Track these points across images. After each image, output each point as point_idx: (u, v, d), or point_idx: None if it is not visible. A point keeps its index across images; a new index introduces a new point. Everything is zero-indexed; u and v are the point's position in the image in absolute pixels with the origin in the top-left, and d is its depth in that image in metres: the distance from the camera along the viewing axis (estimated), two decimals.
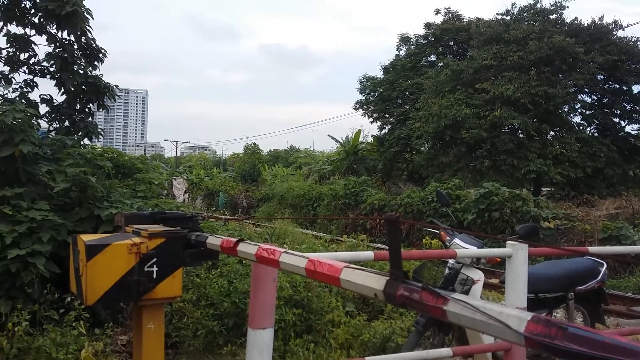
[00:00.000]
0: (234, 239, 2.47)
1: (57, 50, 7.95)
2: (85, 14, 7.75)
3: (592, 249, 4.25)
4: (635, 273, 11.52)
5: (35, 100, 7.86)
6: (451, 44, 28.57)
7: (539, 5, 23.68)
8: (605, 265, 4.80)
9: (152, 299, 2.84)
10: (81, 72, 7.89)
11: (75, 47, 8.05)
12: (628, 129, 23.52)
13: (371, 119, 30.31)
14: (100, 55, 8.20)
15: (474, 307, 1.26)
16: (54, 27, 7.89)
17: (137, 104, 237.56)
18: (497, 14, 25.14)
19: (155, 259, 2.80)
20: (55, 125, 7.97)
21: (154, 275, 2.80)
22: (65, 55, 7.81)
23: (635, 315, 8.13)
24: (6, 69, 8.10)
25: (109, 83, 8.12)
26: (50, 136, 7.33)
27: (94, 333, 4.61)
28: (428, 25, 28.89)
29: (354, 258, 3.11)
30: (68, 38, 7.98)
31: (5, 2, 7.77)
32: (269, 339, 2.69)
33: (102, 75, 8.17)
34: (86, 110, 8.15)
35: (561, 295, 4.50)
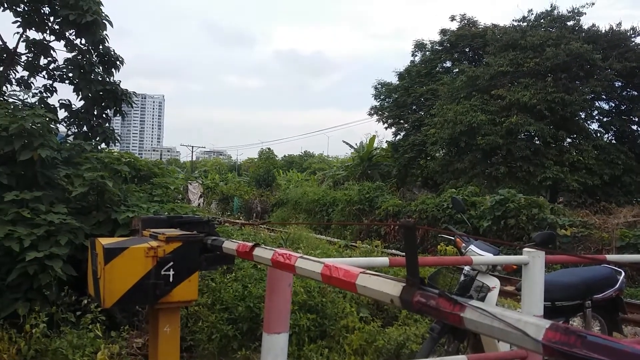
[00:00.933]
0: (250, 244, 2.49)
1: (76, 57, 8.08)
2: (103, 21, 7.88)
3: (610, 257, 4.21)
4: None
5: (54, 105, 7.99)
6: (466, 50, 28.46)
7: (555, 12, 23.51)
8: (623, 273, 4.74)
9: (168, 303, 2.86)
10: (99, 79, 8.01)
11: (94, 54, 8.18)
12: None
13: (386, 125, 30.28)
14: (118, 62, 8.33)
15: (491, 315, 1.26)
16: (73, 33, 8.02)
17: (153, 109, 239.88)
18: (513, 20, 25.04)
19: (171, 263, 2.82)
20: (74, 130, 8.09)
21: (171, 279, 2.83)
22: (84, 62, 7.93)
23: None
24: (25, 73, 8.25)
25: (127, 90, 8.23)
26: (69, 141, 7.44)
27: (110, 336, 4.65)
28: (443, 32, 28.82)
29: (369, 264, 3.11)
30: (86, 45, 8.10)
31: (25, 9, 7.91)
32: (284, 344, 2.69)
33: (120, 82, 8.28)
34: (104, 115, 8.26)
35: (578, 303, 4.45)
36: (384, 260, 3.13)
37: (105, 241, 2.85)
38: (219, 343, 4.69)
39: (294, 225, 11.92)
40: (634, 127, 23.17)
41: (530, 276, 3.59)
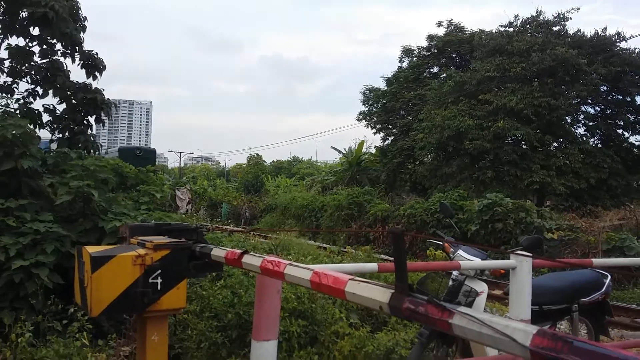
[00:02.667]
0: (239, 251, 2.48)
1: (46, 61, 8.05)
2: (65, 15, 7.77)
3: (596, 261, 4.24)
4: (639, 285, 11.46)
5: (37, 110, 7.93)
6: (453, 55, 28.68)
7: (541, 18, 23.75)
8: (609, 277, 4.78)
9: (156, 311, 2.84)
10: (76, 83, 7.97)
11: (77, 57, 8.14)
12: (632, 139, 23.48)
13: (374, 130, 30.40)
14: (101, 67, 8.29)
15: (480, 321, 1.27)
16: (45, 33, 7.96)
17: (141, 115, 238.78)
18: (500, 25, 25.23)
19: (159, 271, 2.80)
20: (57, 135, 8.04)
21: (159, 287, 2.81)
22: (55, 66, 7.88)
23: (639, 327, 8.08)
24: (9, 79, 8.20)
25: (108, 99, 8.21)
26: (53, 148, 7.38)
27: (97, 344, 4.60)
28: (430, 37, 29.03)
29: (358, 270, 3.11)
30: (63, 48, 8.07)
31: (5, 17, 7.88)
32: (273, 351, 2.69)
33: (103, 89, 8.25)
34: (84, 122, 8.24)
35: (565, 307, 4.48)
36: (373, 266, 3.14)
37: (92, 249, 2.83)
38: (207, 351, 4.66)
39: (284, 231, 11.91)
40: (619, 131, 23.44)
41: (518, 280, 3.62)
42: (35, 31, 7.99)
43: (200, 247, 2.89)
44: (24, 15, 7.92)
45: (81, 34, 8.15)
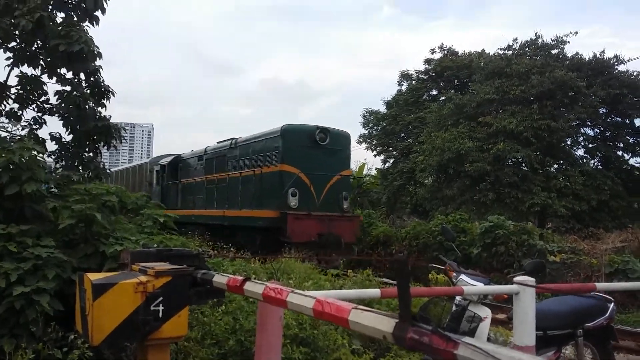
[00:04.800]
0: (241, 278, 2.47)
1: (68, 91, 8.10)
2: (95, 51, 7.92)
3: (599, 285, 4.23)
4: None
5: (42, 138, 7.97)
6: (452, 79, 28.93)
7: (540, 41, 23.99)
8: (613, 301, 4.75)
9: (157, 339, 2.83)
10: (93, 114, 8.04)
11: (85, 86, 8.21)
12: (632, 161, 23.57)
13: (375, 153, 30.50)
14: (109, 93, 8.37)
15: (485, 352, 1.26)
16: (64, 65, 8.04)
17: (142, 137, 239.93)
18: (499, 48, 25.49)
19: (161, 298, 2.79)
20: (62, 163, 8.07)
21: (160, 315, 2.79)
22: (78, 98, 7.95)
23: None
24: (15, 106, 8.25)
25: (118, 125, 8.28)
26: (56, 173, 7.40)
27: None
28: (428, 61, 29.35)
29: (361, 296, 3.10)
30: (76, 77, 8.13)
31: (17, 45, 7.95)
32: None
33: (110, 116, 8.31)
34: (95, 148, 8.28)
35: (569, 332, 4.44)
36: (376, 292, 3.12)
37: (93, 277, 2.82)
38: None
39: (286, 254, 11.86)
40: (619, 153, 23.51)
41: (521, 306, 3.60)
42: (63, 67, 8.04)
43: (202, 274, 2.88)
44: (38, 45, 8.00)
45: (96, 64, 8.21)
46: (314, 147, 14.67)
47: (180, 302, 2.87)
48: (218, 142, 19.71)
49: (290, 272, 7.52)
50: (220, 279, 2.66)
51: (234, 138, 18.00)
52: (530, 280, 3.74)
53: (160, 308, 2.79)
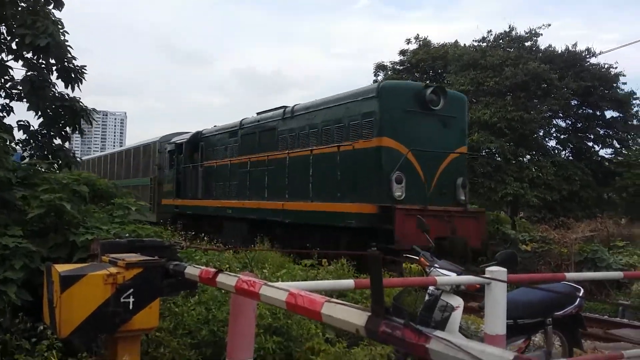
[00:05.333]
0: (213, 270, 2.44)
1: (30, 74, 7.87)
2: (63, 43, 7.69)
3: (569, 275, 4.31)
4: (611, 296, 11.65)
5: (10, 125, 7.75)
6: (428, 70, 29.04)
7: (514, 33, 24.21)
8: (582, 290, 4.84)
9: (128, 331, 2.79)
10: (57, 95, 7.82)
11: (54, 69, 8.00)
12: (602, 153, 24.09)
13: None
14: (79, 74, 8.11)
15: (456, 346, 1.26)
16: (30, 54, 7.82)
17: (115, 126, 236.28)
18: (473, 40, 25.65)
19: (132, 290, 2.75)
20: (30, 152, 7.87)
21: (131, 307, 2.75)
22: (38, 79, 7.72)
23: (612, 338, 8.19)
24: None
25: (86, 106, 8.05)
26: (24, 162, 7.22)
27: None
28: (403, 52, 29.43)
29: (335, 287, 3.10)
30: (45, 63, 7.91)
31: None
32: None
33: (80, 98, 8.10)
34: (62, 133, 8.06)
35: (539, 321, 4.52)
36: (350, 282, 3.12)
37: (61, 268, 2.76)
38: None
39: (259, 244, 11.77)
40: (590, 144, 23.99)
41: (493, 296, 3.64)
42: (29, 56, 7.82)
43: (174, 265, 2.85)
44: (3, 30, 7.74)
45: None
46: (422, 113, 10.66)
47: (152, 294, 2.83)
48: (259, 113, 15.13)
49: (264, 262, 7.50)
50: (192, 270, 2.63)
51: (285, 106, 13.80)
52: (502, 270, 3.79)
53: (131, 300, 2.75)
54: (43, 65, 7.92)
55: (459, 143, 11.35)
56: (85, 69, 8.11)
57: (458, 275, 4.14)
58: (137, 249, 3.10)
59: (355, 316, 1.60)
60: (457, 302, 4.10)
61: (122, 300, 2.72)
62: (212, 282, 2.41)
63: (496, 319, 3.64)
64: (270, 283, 2.08)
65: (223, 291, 5.05)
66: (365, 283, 3.14)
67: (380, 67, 30.57)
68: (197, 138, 17.87)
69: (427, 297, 4.16)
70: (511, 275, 3.86)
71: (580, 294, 4.78)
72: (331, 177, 11.07)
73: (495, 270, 3.68)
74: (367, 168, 10.46)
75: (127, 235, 5.37)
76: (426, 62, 28.14)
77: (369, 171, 10.43)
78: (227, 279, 2.30)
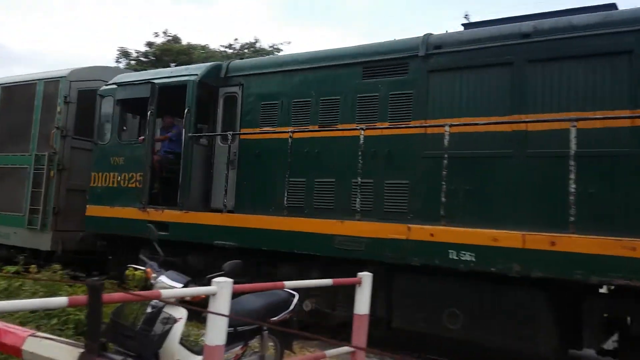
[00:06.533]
0: None
1: None
2: None
3: (288, 283, 4.62)
4: None
5: None
6: (171, 64, 28.67)
7: (258, 45, 25.46)
8: (297, 296, 5.25)
9: None
10: None
11: None
12: None
13: None
14: None
15: None
16: None
17: None
18: (220, 45, 26.19)
19: None
20: None
21: None
22: None
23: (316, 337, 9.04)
24: None
25: None
26: None
27: None
28: (149, 44, 28.64)
29: (43, 306, 2.73)
30: None
31: None
32: None
33: None
34: None
35: (257, 327, 4.76)
36: (62, 300, 2.79)
37: None
38: None
39: None
40: None
41: (216, 307, 3.67)
42: None
43: None
44: None
45: None
46: None
47: None
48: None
49: None
50: None
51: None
52: (228, 281, 3.86)
53: None
54: None
55: None
56: None
57: (184, 286, 4.10)
58: None
59: (64, 353, 1.44)
60: (181, 313, 4.05)
61: None
62: None
63: (217, 329, 3.67)
64: None
65: None
66: (81, 300, 2.86)
67: (124, 54, 29.23)
68: (231, 73, 8.86)
69: (149, 310, 4.01)
70: (236, 286, 3.96)
71: (295, 299, 5.19)
72: None
73: (221, 282, 3.73)
74: None
75: None
76: (170, 55, 27.79)
77: None
78: None
